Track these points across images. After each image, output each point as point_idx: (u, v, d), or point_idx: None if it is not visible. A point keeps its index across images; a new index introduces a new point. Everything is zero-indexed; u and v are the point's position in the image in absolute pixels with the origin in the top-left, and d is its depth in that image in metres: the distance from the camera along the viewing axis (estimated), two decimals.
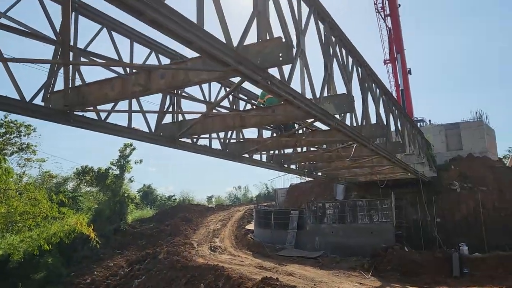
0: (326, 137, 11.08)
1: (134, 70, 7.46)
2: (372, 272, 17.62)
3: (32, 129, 30.19)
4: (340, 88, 8.42)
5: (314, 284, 15.10)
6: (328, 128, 9.18)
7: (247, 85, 9.47)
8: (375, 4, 38.89)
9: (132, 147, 38.68)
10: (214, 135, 11.15)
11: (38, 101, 6.71)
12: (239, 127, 10.30)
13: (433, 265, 17.57)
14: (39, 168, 32.82)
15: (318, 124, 11.34)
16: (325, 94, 7.86)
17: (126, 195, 37.77)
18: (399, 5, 38.26)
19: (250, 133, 13.39)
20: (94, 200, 37.04)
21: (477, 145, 29.26)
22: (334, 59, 8.39)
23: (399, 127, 14.27)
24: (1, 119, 28.98)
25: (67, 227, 21.11)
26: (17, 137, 30.60)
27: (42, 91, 6.78)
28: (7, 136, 30.10)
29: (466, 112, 73.21)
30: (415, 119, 33.65)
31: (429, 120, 35.73)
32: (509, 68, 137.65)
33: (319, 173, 18.96)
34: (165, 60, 8.95)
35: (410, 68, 38.54)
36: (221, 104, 9.98)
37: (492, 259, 17.50)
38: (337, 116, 8.39)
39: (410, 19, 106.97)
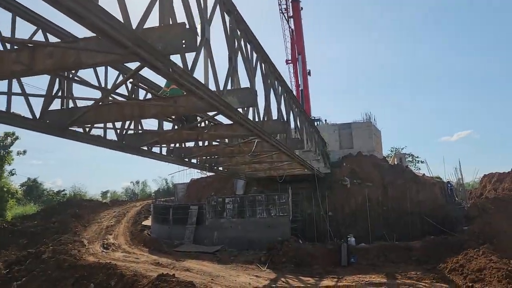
0: (228, 131, 11.02)
1: (15, 47, 6.59)
2: (268, 264, 18.17)
3: None
4: (244, 83, 8.41)
5: (212, 279, 15.05)
6: (231, 122, 9.11)
7: (149, 75, 9.01)
8: (279, 5, 40.11)
9: (14, 137, 34.90)
10: (109, 125, 10.41)
11: None
12: (138, 117, 9.79)
13: (324, 256, 18.70)
14: None
15: (220, 118, 11.27)
16: (229, 87, 7.76)
17: (5, 189, 33.91)
18: (302, 8, 39.98)
19: (150, 125, 12.81)
20: None
21: (366, 144, 31.88)
22: (239, 52, 8.33)
23: (299, 125, 14.83)
24: None
25: None
26: None
27: None
28: None
29: (357, 114, 79.79)
30: (313, 118, 35.50)
31: (325, 120, 38.02)
32: (394, 75, 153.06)
33: (220, 168, 18.95)
34: (55, 40, 8.06)
35: (310, 70, 40.58)
36: (119, 92, 9.39)
37: (375, 249, 19.21)
38: (240, 110, 8.36)
39: (312, 23, 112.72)
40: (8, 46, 6.81)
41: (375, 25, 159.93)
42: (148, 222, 29.13)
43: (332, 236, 23.16)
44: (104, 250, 22.01)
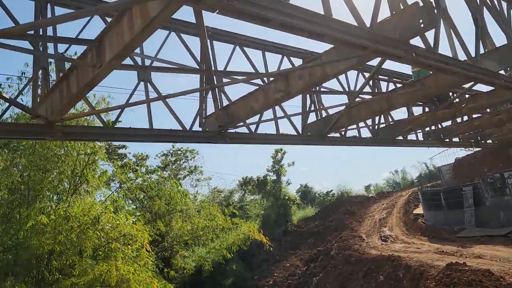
0: (491, 99, 9.68)
1: (271, 78, 7.67)
2: None
3: (196, 153, 34.27)
4: (498, 40, 7.25)
5: None
6: (493, 88, 8.01)
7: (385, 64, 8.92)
8: None
9: (282, 152, 40.17)
10: (361, 124, 10.77)
11: (196, 127, 7.41)
12: (387, 110, 9.74)
13: None
14: (207, 186, 36.60)
15: (478, 87, 10.04)
16: (481, 51, 6.85)
17: (286, 197, 39.28)
18: None
19: (400, 113, 12.55)
20: (260, 206, 39.45)
21: None
22: (484, 8, 7.25)
23: None
24: (170, 149, 33.39)
25: (242, 236, 22.88)
26: (186, 162, 34.94)
27: (198, 118, 7.44)
28: (178, 163, 34.51)
29: None
30: None
31: None
32: None
33: (489, 141, 16.72)
34: (297, 61, 8.98)
35: None
36: (363, 90, 9.62)
37: None
38: (501, 72, 7.25)
39: None
40: (265, 79, 8.02)
41: None
42: (419, 210, 28.23)
43: None
44: (383, 242, 22.52)
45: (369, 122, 10.88)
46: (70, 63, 4.95)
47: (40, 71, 5.38)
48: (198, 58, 6.94)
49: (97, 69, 4.07)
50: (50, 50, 5.62)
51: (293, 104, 11.62)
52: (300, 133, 9.23)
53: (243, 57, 8.19)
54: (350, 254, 18.13)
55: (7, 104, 5.61)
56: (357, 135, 10.75)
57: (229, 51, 8.08)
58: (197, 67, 6.84)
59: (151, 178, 22.39)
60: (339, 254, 18.74)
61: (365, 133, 10.99)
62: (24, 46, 4.82)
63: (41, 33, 4.97)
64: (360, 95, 9.41)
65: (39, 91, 5.50)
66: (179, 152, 34.04)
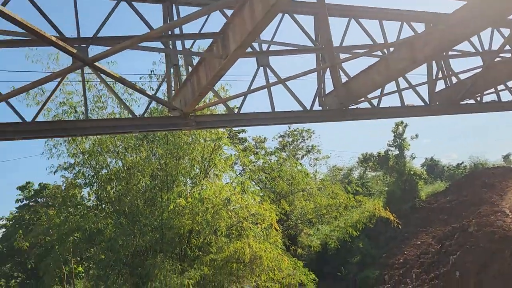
0: None
1: (391, 48, 7.21)
2: None
3: (312, 132, 34.36)
4: None
5: None
6: None
7: None
8: None
9: (403, 125, 37.81)
10: (500, 86, 9.55)
11: (315, 106, 7.33)
12: None
13: None
14: (325, 164, 36.39)
15: None
16: None
17: (412, 172, 37.04)
18: None
19: None
20: (382, 183, 37.97)
21: None
22: None
23: None
24: (286, 130, 33.97)
25: (366, 213, 22.36)
26: (302, 142, 35.28)
27: (317, 97, 7.36)
28: (295, 143, 35.02)
29: None
30: None
31: None
32: None
33: None
34: (418, 26, 8.26)
35: None
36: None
37: None
38: None
39: None
40: (385, 50, 7.54)
41: None
42: None
43: None
44: None
45: (510, 84, 9.61)
46: (197, 57, 5.28)
47: (172, 68, 5.86)
48: (312, 37, 6.83)
49: (224, 60, 4.27)
50: (178, 47, 6.06)
51: (418, 73, 10.75)
52: (428, 103, 8.56)
53: (354, 30, 7.81)
54: (493, 231, 16.44)
55: (142, 100, 6.22)
56: (496, 99, 9.58)
57: (338, 25, 7.80)
58: (313, 45, 6.75)
59: (271, 159, 23.06)
60: (479, 231, 17.12)
61: (506, 97, 9.74)
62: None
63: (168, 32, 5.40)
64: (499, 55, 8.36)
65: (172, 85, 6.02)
66: (295, 132, 34.47)
